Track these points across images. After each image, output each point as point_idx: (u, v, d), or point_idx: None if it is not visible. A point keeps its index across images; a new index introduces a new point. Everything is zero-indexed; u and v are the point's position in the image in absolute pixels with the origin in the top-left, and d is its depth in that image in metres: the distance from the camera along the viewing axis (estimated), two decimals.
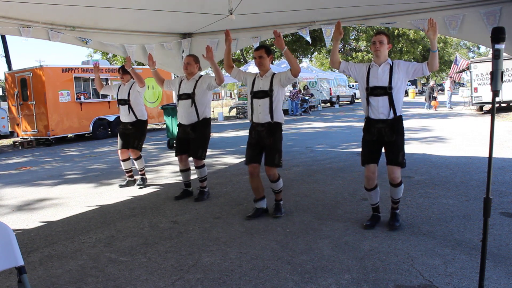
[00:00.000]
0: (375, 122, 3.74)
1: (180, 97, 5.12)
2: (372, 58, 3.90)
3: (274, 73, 4.28)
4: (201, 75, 5.18)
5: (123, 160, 6.21)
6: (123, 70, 6.00)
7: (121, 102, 6.00)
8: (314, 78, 27.20)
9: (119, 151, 6.15)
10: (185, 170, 5.39)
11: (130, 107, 5.93)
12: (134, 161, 6.20)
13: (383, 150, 3.82)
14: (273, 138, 4.21)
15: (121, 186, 6.30)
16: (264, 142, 4.23)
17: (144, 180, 6.32)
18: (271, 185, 4.41)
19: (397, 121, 3.70)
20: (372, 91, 3.71)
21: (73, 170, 8.38)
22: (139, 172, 6.32)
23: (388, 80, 3.64)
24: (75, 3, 5.25)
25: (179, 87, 5.16)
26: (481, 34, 5.51)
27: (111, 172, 7.75)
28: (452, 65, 21.86)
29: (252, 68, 21.47)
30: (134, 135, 6.00)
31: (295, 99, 22.28)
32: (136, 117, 5.96)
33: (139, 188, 6.18)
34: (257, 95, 4.25)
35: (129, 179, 6.33)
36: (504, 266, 2.93)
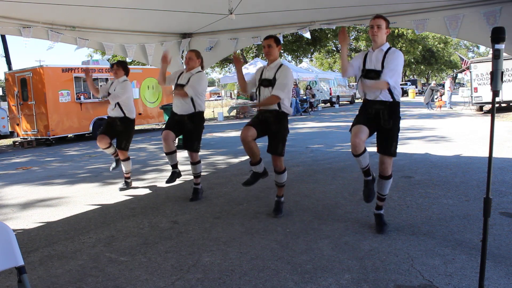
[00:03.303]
0: (373, 103, 3.64)
1: (176, 87, 5.13)
2: None
3: (282, 65, 4.27)
4: (199, 71, 5.15)
5: (105, 148, 5.93)
6: (117, 66, 5.90)
7: None
8: (314, 78, 27.21)
9: (99, 136, 5.82)
10: (171, 153, 5.15)
11: (118, 103, 5.80)
12: (122, 162, 6.05)
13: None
14: (280, 125, 4.21)
15: (121, 189, 6.16)
16: (271, 127, 4.20)
17: (128, 184, 6.19)
18: (275, 176, 4.35)
19: (395, 106, 3.63)
20: (367, 74, 3.65)
21: (73, 170, 8.38)
22: (125, 175, 6.18)
23: (381, 65, 3.57)
24: (75, 3, 5.26)
25: (178, 78, 5.18)
26: (481, 34, 5.52)
27: (111, 172, 7.74)
28: (462, 62, 22.15)
29: (252, 68, 21.48)
30: (122, 135, 5.87)
31: (295, 95, 22.21)
32: (124, 113, 5.82)
33: (120, 190, 6.09)
34: (263, 83, 4.28)
35: (115, 158, 6.13)
36: (504, 266, 2.93)
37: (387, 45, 3.64)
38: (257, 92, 4.36)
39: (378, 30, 3.59)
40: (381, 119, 3.61)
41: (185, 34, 8.18)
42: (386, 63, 3.54)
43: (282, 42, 8.48)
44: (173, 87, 5.24)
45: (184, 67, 5.35)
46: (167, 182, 5.25)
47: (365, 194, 3.77)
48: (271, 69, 4.26)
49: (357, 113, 3.81)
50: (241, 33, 7.78)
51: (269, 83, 4.21)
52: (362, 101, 3.83)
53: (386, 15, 6.32)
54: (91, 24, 6.57)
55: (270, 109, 4.21)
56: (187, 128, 5.09)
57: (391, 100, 3.60)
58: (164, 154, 5.36)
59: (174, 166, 5.27)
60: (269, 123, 4.20)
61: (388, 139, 3.63)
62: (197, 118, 5.10)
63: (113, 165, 6.26)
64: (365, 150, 3.61)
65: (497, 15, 5.32)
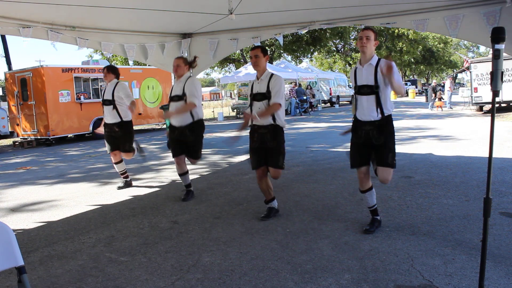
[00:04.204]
0: (363, 124, 3.67)
1: (172, 99, 5.07)
2: None
3: (272, 75, 4.20)
4: (190, 76, 5.11)
5: (116, 163, 6.17)
6: (107, 69, 5.92)
7: (106, 102, 5.89)
8: (314, 78, 27.19)
9: (111, 154, 6.11)
10: (183, 174, 5.30)
11: (115, 107, 5.82)
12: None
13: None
14: (277, 141, 4.18)
15: (119, 188, 6.24)
16: (268, 145, 4.17)
17: (127, 183, 6.35)
18: (272, 181, 4.46)
19: (386, 121, 3.62)
20: (360, 90, 3.66)
21: (73, 170, 8.38)
22: (124, 172, 6.34)
23: (374, 78, 3.56)
24: (75, 3, 5.25)
25: (172, 88, 5.17)
26: (481, 34, 5.52)
27: (111, 172, 7.74)
28: (464, 61, 22.36)
29: (252, 68, 21.48)
30: (124, 138, 5.94)
31: (294, 95, 22.13)
32: (120, 117, 5.85)
33: (118, 189, 6.20)
34: (256, 97, 4.22)
35: (126, 180, 6.30)
36: (504, 266, 2.93)
37: (376, 58, 3.63)
38: (250, 108, 4.29)
39: (367, 41, 3.58)
40: (372, 138, 3.63)
41: (185, 34, 8.17)
42: (380, 76, 3.54)
43: (282, 42, 8.51)
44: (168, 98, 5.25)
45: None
46: (183, 200, 5.26)
47: (366, 231, 3.76)
48: (262, 82, 4.19)
49: (351, 137, 3.83)
50: (241, 33, 7.78)
51: (263, 96, 4.14)
52: (353, 119, 3.83)
53: (386, 15, 6.39)
54: (91, 24, 6.56)
55: (265, 125, 4.15)
56: (189, 140, 5.08)
57: (381, 116, 3.59)
58: (167, 159, 5.42)
59: (188, 185, 5.39)
60: (266, 141, 4.17)
61: (383, 152, 3.64)
62: (197, 128, 5.08)
63: (120, 184, 6.36)
64: (372, 187, 3.79)
65: (497, 15, 5.32)
